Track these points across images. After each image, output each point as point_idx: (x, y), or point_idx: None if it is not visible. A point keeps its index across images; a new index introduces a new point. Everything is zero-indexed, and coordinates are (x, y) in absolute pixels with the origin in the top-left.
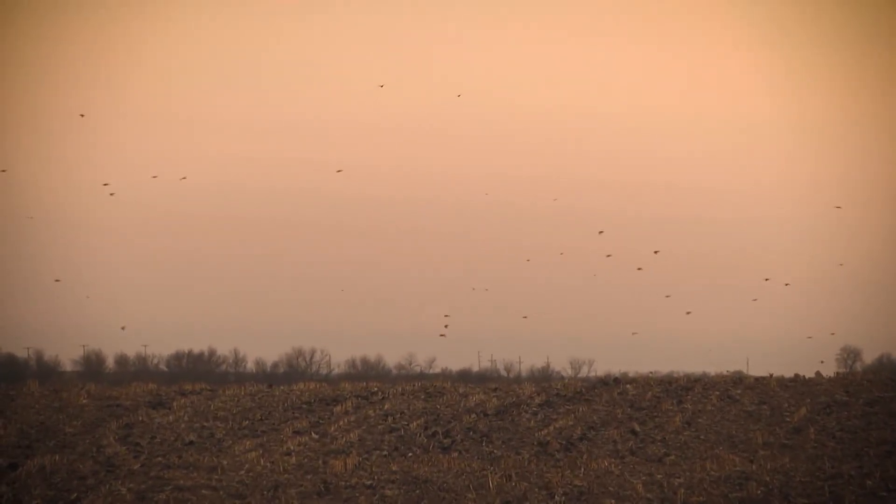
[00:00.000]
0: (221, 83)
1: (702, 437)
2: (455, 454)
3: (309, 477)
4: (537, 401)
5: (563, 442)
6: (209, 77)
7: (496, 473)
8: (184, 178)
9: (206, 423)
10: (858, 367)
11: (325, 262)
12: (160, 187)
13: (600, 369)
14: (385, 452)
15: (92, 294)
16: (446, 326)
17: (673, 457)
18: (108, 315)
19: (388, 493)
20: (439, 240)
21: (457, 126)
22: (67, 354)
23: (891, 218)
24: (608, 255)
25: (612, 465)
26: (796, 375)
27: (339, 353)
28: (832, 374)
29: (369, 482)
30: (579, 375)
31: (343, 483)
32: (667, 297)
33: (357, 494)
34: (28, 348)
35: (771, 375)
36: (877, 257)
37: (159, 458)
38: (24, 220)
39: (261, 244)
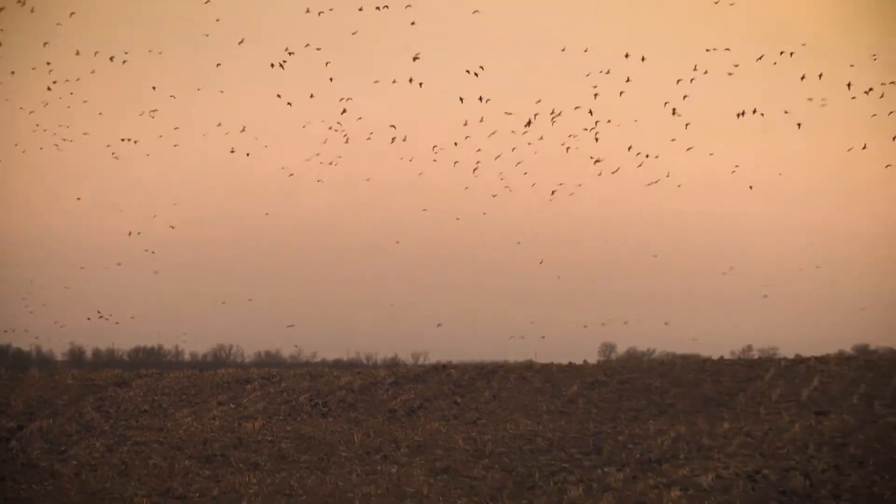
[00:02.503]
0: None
1: (504, 406)
2: (331, 418)
3: (228, 434)
4: (389, 381)
5: (407, 410)
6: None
7: (359, 432)
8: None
9: (155, 397)
10: (613, 356)
11: (237, 275)
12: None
13: (432, 358)
14: (282, 417)
15: (75, 300)
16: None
17: (483, 420)
18: (86, 318)
19: (284, 445)
20: (322, 255)
21: None
22: (59, 348)
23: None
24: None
25: (441, 426)
26: (570, 363)
27: (249, 348)
28: (595, 361)
29: (270, 438)
30: (418, 363)
31: (252, 439)
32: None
33: (262, 447)
34: (31, 344)
35: (552, 363)
36: (637, 266)
37: (123, 422)
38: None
39: (198, 261)
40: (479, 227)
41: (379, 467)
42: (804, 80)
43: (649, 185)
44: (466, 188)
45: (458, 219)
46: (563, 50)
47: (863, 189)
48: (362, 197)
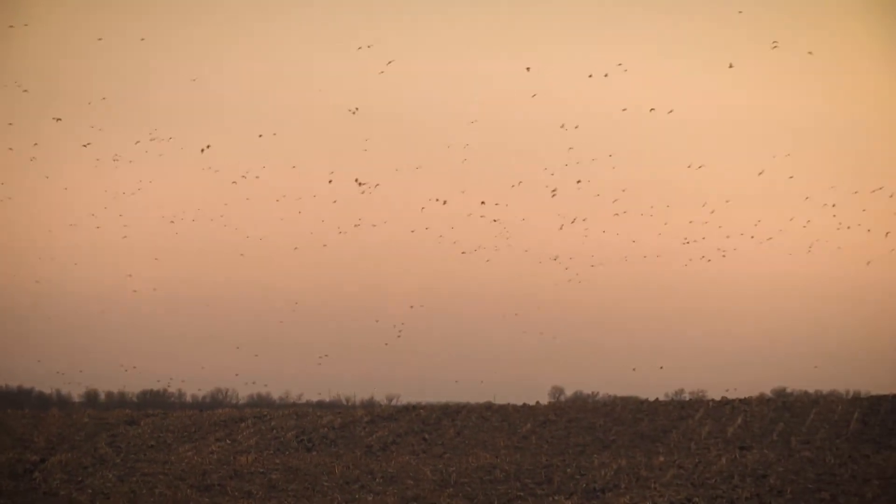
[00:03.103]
0: None
1: (466, 442)
2: (315, 452)
3: (225, 467)
4: (365, 419)
5: (381, 445)
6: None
7: (340, 464)
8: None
9: (161, 434)
10: (563, 398)
11: (232, 322)
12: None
13: (404, 399)
14: (272, 451)
15: (89, 346)
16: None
17: (449, 454)
18: (102, 363)
19: (274, 476)
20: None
21: None
22: (76, 391)
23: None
24: (410, 307)
25: (411, 459)
26: (524, 403)
27: (243, 391)
28: (546, 403)
29: (262, 470)
30: (391, 403)
31: (246, 471)
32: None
33: (255, 478)
34: (51, 387)
35: (508, 404)
36: (597, 310)
37: (132, 456)
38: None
39: (193, 310)
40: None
41: (357, 496)
42: None
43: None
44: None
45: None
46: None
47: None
48: (345, 250)
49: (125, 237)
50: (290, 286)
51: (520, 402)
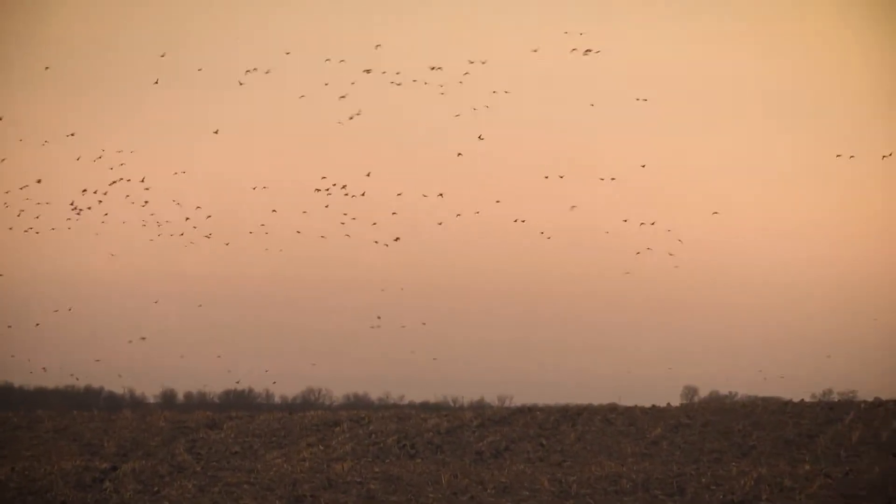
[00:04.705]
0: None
1: (588, 448)
2: (419, 460)
3: (317, 476)
4: (475, 423)
5: (493, 451)
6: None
7: (447, 473)
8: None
9: (246, 439)
10: (696, 399)
11: (326, 321)
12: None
13: (518, 401)
14: (370, 459)
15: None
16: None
17: (568, 462)
18: (177, 361)
19: (372, 486)
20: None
21: None
22: (151, 391)
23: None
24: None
25: (527, 468)
26: (653, 405)
27: (338, 390)
28: (677, 404)
29: (359, 479)
30: (504, 405)
31: (341, 480)
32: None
33: (351, 488)
34: (124, 387)
35: (636, 406)
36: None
37: (214, 463)
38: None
39: (282, 307)
40: (568, 274)
41: None
42: None
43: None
44: (549, 238)
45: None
46: None
47: None
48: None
49: (209, 235)
50: (391, 278)
51: (648, 404)
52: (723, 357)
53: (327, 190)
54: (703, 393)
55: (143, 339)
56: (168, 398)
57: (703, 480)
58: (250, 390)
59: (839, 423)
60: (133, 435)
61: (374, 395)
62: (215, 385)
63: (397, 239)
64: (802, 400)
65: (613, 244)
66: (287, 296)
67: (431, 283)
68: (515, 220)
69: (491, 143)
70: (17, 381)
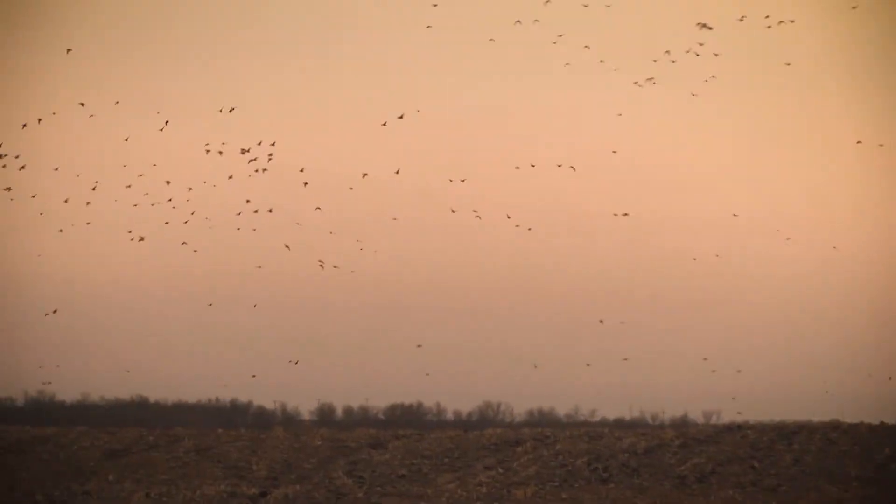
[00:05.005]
0: None
1: (807, 471)
2: (612, 485)
3: (496, 503)
4: (677, 443)
5: (698, 475)
6: None
7: (645, 500)
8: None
9: (414, 460)
10: None
11: (508, 333)
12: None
13: (726, 417)
14: (556, 483)
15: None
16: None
17: (785, 487)
18: (334, 375)
19: None
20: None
21: None
22: (305, 406)
23: None
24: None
25: (737, 494)
26: (881, 422)
27: (519, 406)
28: None
29: None
30: (709, 422)
31: None
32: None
33: None
34: (275, 401)
35: (861, 422)
36: None
37: (378, 488)
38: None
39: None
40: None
41: None
42: None
43: None
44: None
45: None
46: None
47: None
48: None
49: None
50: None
51: (876, 421)
52: None
53: None
54: None
55: (296, 363)
56: (325, 414)
57: None
58: (419, 405)
59: None
60: (285, 456)
61: (562, 410)
62: (378, 399)
63: None
64: None
65: None
66: (470, 305)
67: (635, 281)
68: None
69: None
70: (153, 395)
